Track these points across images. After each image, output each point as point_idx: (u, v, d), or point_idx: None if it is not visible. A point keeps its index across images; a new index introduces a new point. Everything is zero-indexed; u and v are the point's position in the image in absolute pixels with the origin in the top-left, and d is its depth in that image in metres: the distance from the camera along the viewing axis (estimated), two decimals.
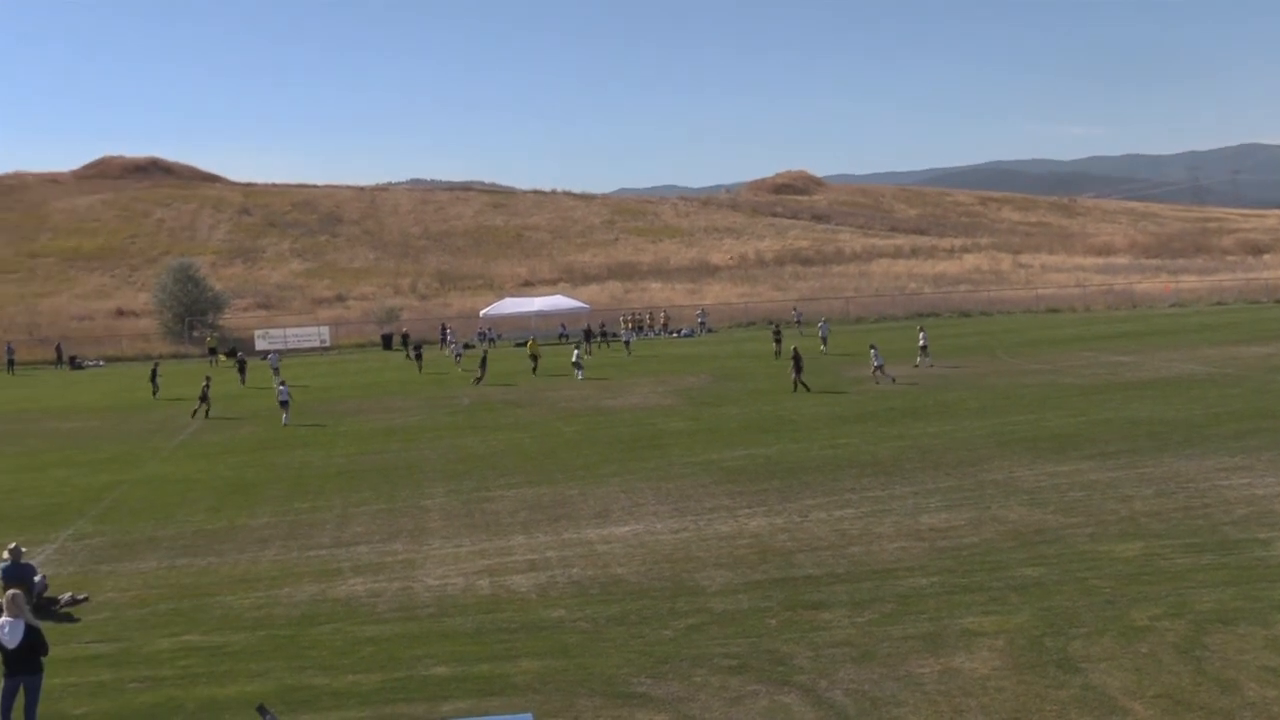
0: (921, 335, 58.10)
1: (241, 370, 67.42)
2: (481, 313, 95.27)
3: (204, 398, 49.77)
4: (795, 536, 23.93)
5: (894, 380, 49.39)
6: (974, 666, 16.07)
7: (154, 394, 58.14)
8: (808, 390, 46.97)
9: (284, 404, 46.97)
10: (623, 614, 19.28)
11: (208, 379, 53.18)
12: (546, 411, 46.16)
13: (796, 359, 49.26)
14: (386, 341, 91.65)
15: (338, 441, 41.00)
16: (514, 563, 23.06)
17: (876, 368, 50.29)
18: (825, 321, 73.87)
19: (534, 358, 63.44)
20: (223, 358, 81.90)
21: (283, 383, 49.93)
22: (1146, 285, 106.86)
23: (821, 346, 66.16)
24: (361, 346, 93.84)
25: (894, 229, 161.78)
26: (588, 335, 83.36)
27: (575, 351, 60.92)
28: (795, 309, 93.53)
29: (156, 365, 66.10)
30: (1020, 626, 17.54)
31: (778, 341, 65.71)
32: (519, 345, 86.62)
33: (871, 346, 52.52)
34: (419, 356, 69.51)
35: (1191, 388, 43.54)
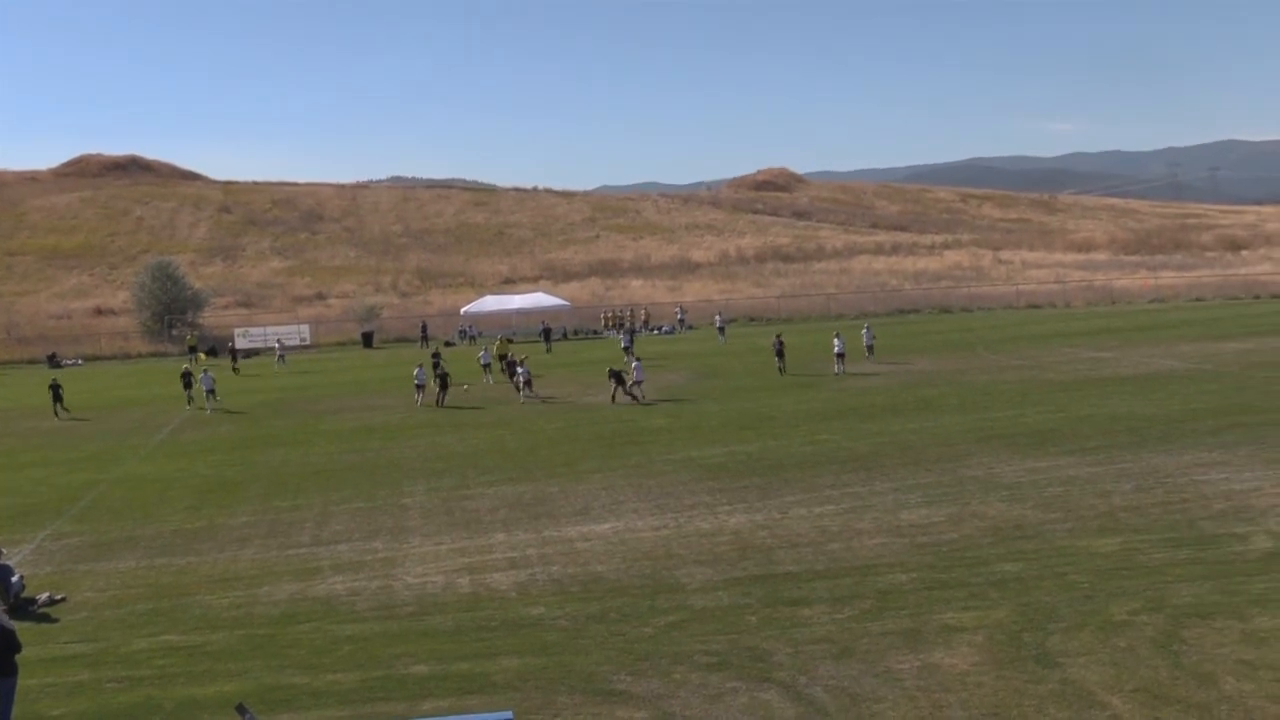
0: (866, 333, 58.97)
1: (234, 358, 73.43)
2: (462, 310, 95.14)
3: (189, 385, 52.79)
4: (775, 533, 23.94)
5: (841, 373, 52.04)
6: (953, 662, 16.09)
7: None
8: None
9: (211, 392, 52.03)
10: (603, 611, 19.26)
11: (187, 372, 53.53)
12: (527, 409, 46.10)
13: (779, 349, 53.12)
14: (367, 339, 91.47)
15: (317, 440, 40.90)
16: (494, 560, 23.03)
17: (838, 355, 52.77)
18: (869, 327, 61.43)
19: (501, 358, 58.49)
20: (203, 356, 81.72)
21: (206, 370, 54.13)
22: (1126, 281, 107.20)
23: (867, 355, 57.70)
24: (342, 344, 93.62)
25: (875, 226, 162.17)
26: (546, 335, 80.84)
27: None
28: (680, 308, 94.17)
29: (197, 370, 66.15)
30: (999, 622, 17.58)
31: (780, 355, 54.10)
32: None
33: (836, 335, 54.12)
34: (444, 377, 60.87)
35: (1170, 383, 43.69)
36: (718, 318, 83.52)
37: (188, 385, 52.59)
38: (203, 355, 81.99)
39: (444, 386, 49.23)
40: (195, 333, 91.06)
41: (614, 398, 46.37)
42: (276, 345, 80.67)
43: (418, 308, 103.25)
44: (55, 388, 52.31)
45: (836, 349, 52.66)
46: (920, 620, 17.87)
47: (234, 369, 71.68)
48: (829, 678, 15.80)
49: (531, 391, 49.56)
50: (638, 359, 50.06)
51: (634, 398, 46.03)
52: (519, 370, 50.91)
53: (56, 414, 51.24)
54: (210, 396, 52.15)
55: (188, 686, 16.85)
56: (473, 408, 47.56)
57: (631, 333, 77.25)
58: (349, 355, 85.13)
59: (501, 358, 58.96)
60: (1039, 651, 16.29)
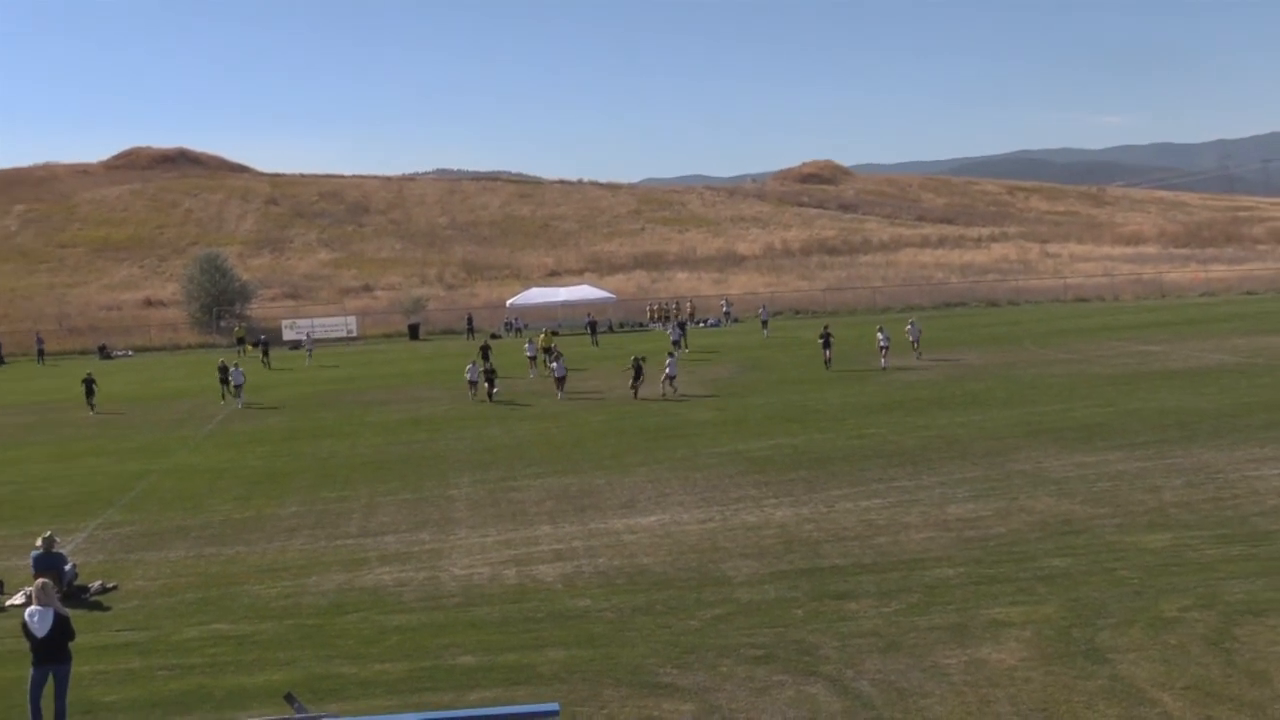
0: (911, 328, 58.28)
1: (265, 353, 71.84)
2: (508, 303, 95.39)
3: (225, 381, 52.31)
4: (822, 527, 23.88)
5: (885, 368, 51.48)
6: (1001, 657, 16.00)
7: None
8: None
9: (239, 387, 51.24)
10: (649, 604, 19.27)
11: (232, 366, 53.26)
12: (573, 401, 46.16)
13: (826, 340, 53.41)
14: (413, 332, 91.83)
15: (364, 431, 41.12)
16: (540, 552, 23.08)
17: (882, 348, 52.42)
18: (914, 323, 60.53)
19: (547, 350, 57.70)
20: (249, 348, 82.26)
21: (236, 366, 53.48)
22: (1176, 275, 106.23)
23: (914, 352, 56.69)
24: (389, 336, 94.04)
25: (921, 218, 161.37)
26: (593, 328, 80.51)
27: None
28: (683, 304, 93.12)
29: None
30: (1048, 617, 17.46)
31: (827, 346, 53.96)
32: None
33: (880, 329, 54.04)
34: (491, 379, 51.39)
35: (1221, 377, 43.26)
36: (762, 309, 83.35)
37: (224, 380, 52.10)
38: (250, 347, 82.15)
39: (491, 381, 48.67)
40: (243, 324, 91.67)
41: (635, 391, 45.85)
42: (305, 339, 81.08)
43: (464, 300, 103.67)
44: (89, 382, 51.64)
45: (880, 343, 52.45)
46: (968, 615, 17.78)
47: (264, 362, 70.97)
48: (876, 672, 15.74)
49: (562, 390, 47.54)
50: (671, 354, 48.57)
51: (662, 393, 45.52)
52: (553, 365, 50.48)
53: (91, 408, 50.66)
54: (238, 392, 51.00)
55: (237, 675, 16.98)
56: (518, 402, 47.66)
57: (682, 325, 75.42)
58: (395, 347, 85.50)
59: (547, 350, 58.06)
60: (1088, 647, 16.17)
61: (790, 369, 54.06)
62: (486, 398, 47.75)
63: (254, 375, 62.30)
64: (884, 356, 52.43)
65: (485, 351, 54.49)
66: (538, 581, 21.03)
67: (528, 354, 58.75)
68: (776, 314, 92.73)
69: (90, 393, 51.25)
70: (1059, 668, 15.51)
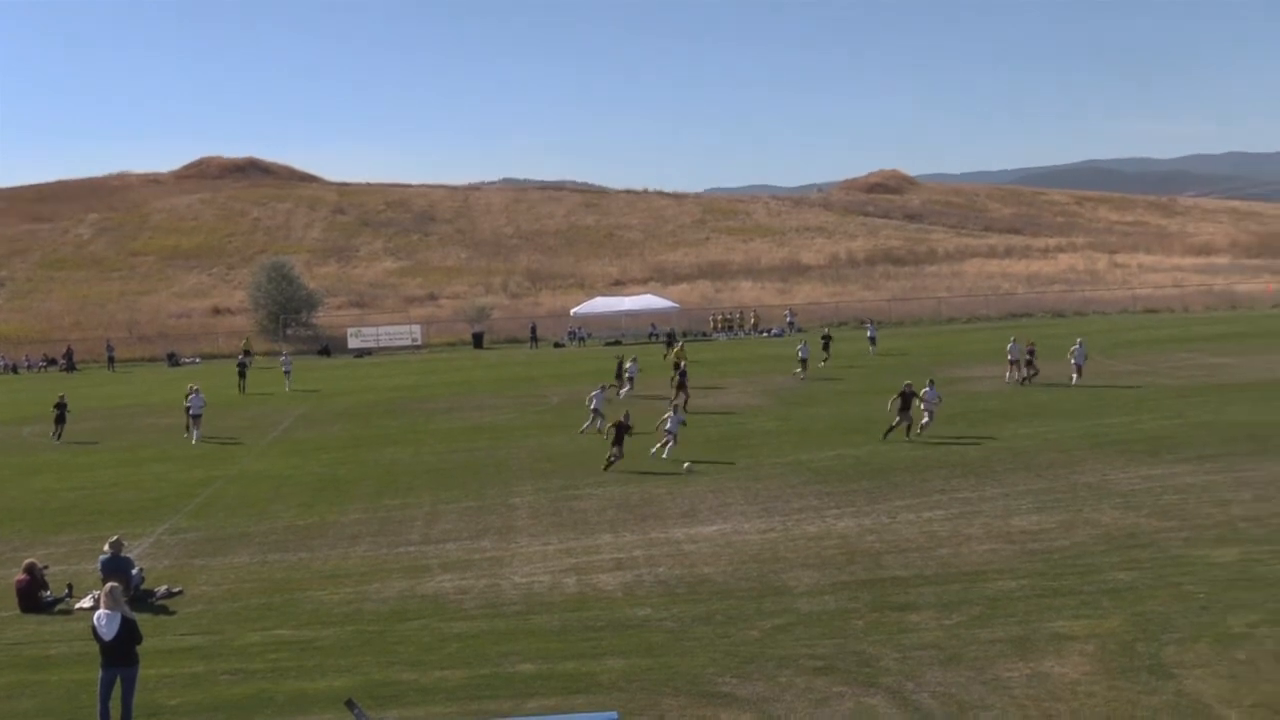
0: (1012, 347, 50.96)
1: (241, 374, 61.81)
2: (572, 311, 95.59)
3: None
4: (883, 538, 23.75)
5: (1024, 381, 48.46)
6: (1064, 671, 15.84)
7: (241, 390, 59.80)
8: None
9: (197, 418, 43.61)
10: (709, 613, 19.24)
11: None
12: (635, 411, 46.07)
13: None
14: (477, 340, 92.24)
15: (427, 439, 41.34)
16: (600, 561, 23.11)
17: (1012, 362, 49.58)
18: (873, 323, 73.13)
19: (675, 366, 49.53)
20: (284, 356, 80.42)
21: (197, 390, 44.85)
22: (1247, 286, 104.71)
23: (870, 348, 66.08)
24: (452, 345, 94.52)
25: (987, 228, 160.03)
26: (670, 339, 77.87)
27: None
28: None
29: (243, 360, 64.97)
30: (1112, 631, 17.27)
31: (826, 348, 60.88)
32: (608, 344, 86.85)
33: (1015, 342, 51.10)
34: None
35: None
36: (869, 325, 74.81)
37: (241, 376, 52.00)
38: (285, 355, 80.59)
39: (621, 440, 33.45)
40: (248, 336, 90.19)
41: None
42: (283, 357, 68.85)
43: (527, 309, 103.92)
44: (60, 407, 45.23)
45: (1011, 356, 49.59)
46: (1030, 628, 17.62)
47: (240, 386, 61.02)
48: (936, 684, 15.63)
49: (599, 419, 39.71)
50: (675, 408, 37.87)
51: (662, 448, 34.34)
52: (626, 367, 50.42)
53: (57, 436, 44.48)
54: (196, 423, 43.53)
55: (299, 680, 17.12)
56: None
57: (827, 338, 64.83)
58: (459, 355, 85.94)
59: (675, 366, 49.70)
60: (1153, 662, 15.97)
61: (854, 379, 53.79)
62: (609, 455, 33.39)
63: (304, 377, 62.82)
64: (1011, 370, 49.26)
65: (622, 373, 50.69)
66: (598, 590, 21.05)
67: (629, 375, 51.55)
68: (842, 324, 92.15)
69: (61, 420, 44.84)
70: (1123, 682, 15.33)
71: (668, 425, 34.39)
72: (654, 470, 32.62)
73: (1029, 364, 48.44)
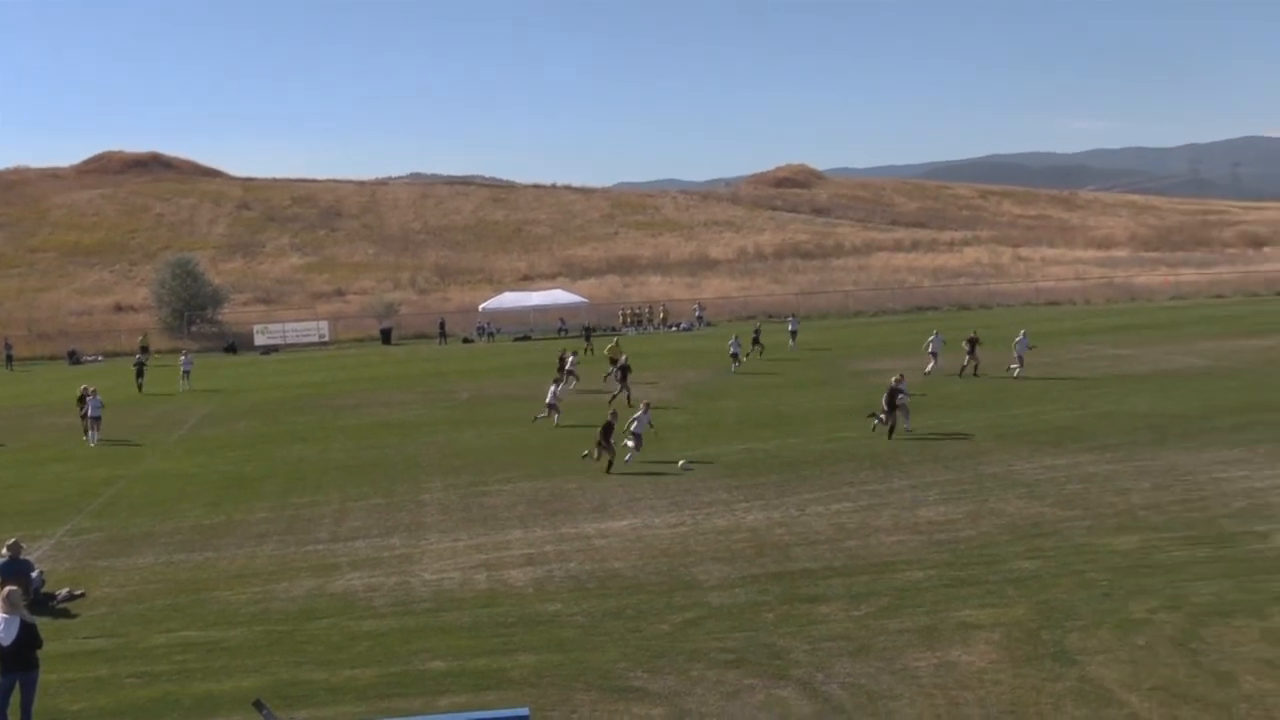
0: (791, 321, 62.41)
1: (140, 372, 60.57)
2: (480, 307, 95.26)
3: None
4: (792, 530, 23.91)
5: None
6: (970, 659, 16.06)
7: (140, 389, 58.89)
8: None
9: (96, 420, 42.22)
10: (619, 608, 19.26)
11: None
12: (545, 406, 45.98)
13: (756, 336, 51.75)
14: (386, 336, 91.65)
15: (335, 436, 40.98)
16: (511, 557, 23.05)
17: (932, 354, 50.55)
18: (794, 317, 74.83)
19: (613, 361, 50.78)
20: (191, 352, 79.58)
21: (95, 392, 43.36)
22: (1146, 278, 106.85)
23: (790, 343, 66.81)
24: (360, 341, 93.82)
25: (894, 222, 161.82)
26: (588, 334, 78.75)
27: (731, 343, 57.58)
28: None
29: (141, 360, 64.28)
30: (1017, 619, 17.53)
31: (757, 341, 61.25)
32: (517, 340, 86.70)
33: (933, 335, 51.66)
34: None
35: (1190, 381, 43.53)
36: (791, 319, 74.78)
37: (83, 415, 43.21)
38: (190, 352, 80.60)
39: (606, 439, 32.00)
40: (146, 334, 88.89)
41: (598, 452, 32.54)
42: (184, 358, 64.88)
43: (436, 305, 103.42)
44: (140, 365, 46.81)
45: (930, 348, 50.87)
46: (937, 618, 17.84)
47: (138, 384, 59.60)
48: (846, 675, 15.77)
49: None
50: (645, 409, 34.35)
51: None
52: (569, 362, 51.11)
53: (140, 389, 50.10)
54: (95, 424, 42.18)
55: (206, 682, 16.90)
56: (504, 397, 47.53)
57: (758, 331, 64.64)
58: (367, 352, 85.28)
59: (613, 361, 50.96)
60: (1057, 649, 16.24)
61: (764, 373, 54.08)
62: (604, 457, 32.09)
63: (209, 374, 62.02)
64: (932, 363, 50.38)
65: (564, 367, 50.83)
66: (508, 586, 21.00)
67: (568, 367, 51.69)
68: (750, 318, 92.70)
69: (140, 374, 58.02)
70: (1028, 670, 15.57)
71: (634, 428, 32.80)
72: (565, 466, 32.59)
73: (970, 354, 48.81)
